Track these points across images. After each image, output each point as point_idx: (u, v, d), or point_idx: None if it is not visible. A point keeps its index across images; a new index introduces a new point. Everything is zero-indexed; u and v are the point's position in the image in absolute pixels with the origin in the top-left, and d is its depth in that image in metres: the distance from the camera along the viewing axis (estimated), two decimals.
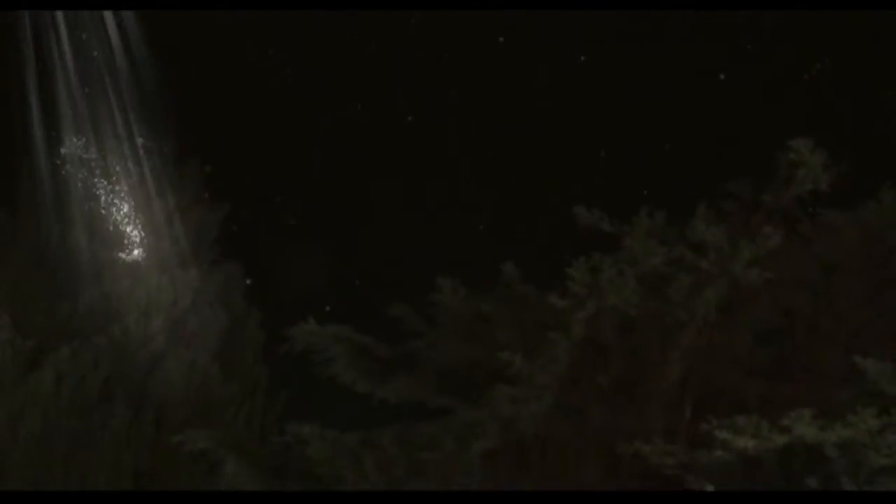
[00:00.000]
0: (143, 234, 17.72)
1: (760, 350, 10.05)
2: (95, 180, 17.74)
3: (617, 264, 9.29)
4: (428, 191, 20.39)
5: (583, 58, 18.14)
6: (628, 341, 9.71)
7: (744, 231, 9.60)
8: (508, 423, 9.59)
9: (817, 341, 9.95)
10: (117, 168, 17.80)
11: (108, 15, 17.62)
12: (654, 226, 9.56)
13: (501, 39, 18.87)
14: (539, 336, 9.45)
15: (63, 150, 17.75)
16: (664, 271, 9.54)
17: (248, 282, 18.91)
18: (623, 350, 9.70)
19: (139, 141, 17.96)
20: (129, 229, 17.67)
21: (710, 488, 2.06)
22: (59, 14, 17.39)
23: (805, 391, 9.24)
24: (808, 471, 8.58)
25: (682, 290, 9.31)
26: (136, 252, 17.72)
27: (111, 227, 17.66)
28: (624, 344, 9.69)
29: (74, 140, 17.79)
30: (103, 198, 17.68)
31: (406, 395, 10.85)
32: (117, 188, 17.69)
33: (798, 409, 8.30)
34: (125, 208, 17.69)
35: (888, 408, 8.54)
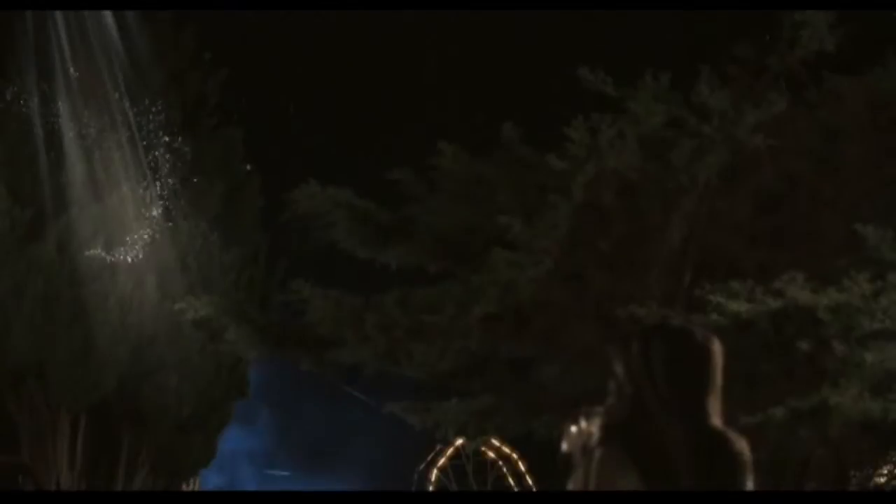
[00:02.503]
0: (138, 100, 17.48)
1: (761, 217, 10.01)
2: (89, 47, 17.42)
3: (616, 125, 9.16)
4: (429, 53, 20.06)
5: None
6: (629, 206, 9.65)
7: (748, 96, 9.44)
8: (507, 288, 9.60)
9: (819, 209, 9.90)
10: (111, 34, 17.47)
11: None
12: (658, 88, 9.38)
13: None
14: (539, 199, 9.39)
15: (54, 21, 17.36)
16: (666, 135, 9.42)
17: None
18: (624, 214, 9.66)
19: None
20: (124, 97, 17.41)
21: (716, 344, 2.04)
22: None
23: (805, 258, 9.23)
24: (800, 334, 8.65)
25: (685, 155, 9.21)
26: (132, 120, 17.51)
27: (106, 95, 17.40)
28: (624, 208, 9.64)
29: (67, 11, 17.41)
30: (97, 64, 17.38)
31: (406, 261, 10.84)
32: (111, 53, 17.38)
33: (791, 272, 8.34)
34: (120, 75, 17.40)
35: (883, 273, 8.57)
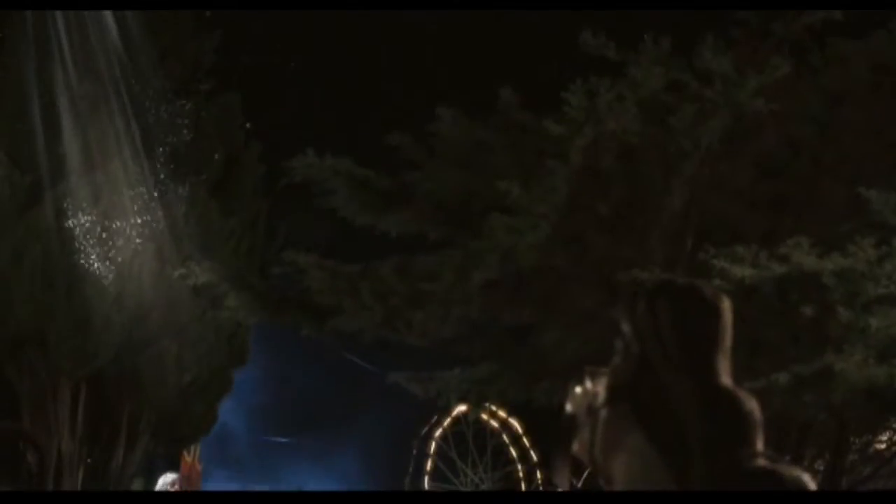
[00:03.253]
0: (136, 65, 17.34)
1: (763, 182, 9.95)
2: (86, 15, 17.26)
3: (616, 89, 9.06)
4: (428, 18, 19.88)
5: None
6: (629, 170, 9.57)
7: (751, 60, 9.34)
8: (507, 254, 9.55)
9: (821, 174, 9.83)
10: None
11: None
12: (659, 53, 9.28)
13: None
14: (537, 164, 9.32)
15: None
16: (667, 100, 9.33)
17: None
18: (623, 179, 9.58)
19: None
20: (121, 62, 17.27)
21: (725, 302, 2.00)
22: None
23: (806, 223, 9.18)
24: (804, 300, 8.61)
25: (686, 119, 9.12)
26: (130, 85, 17.38)
27: (103, 60, 17.26)
28: (625, 173, 9.56)
29: None
30: (94, 31, 17.23)
31: (405, 227, 10.78)
32: (107, 20, 17.22)
33: (796, 238, 8.29)
34: (116, 41, 17.24)
35: (888, 238, 8.53)
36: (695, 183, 9.53)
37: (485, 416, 23.76)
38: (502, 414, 23.86)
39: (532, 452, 23.92)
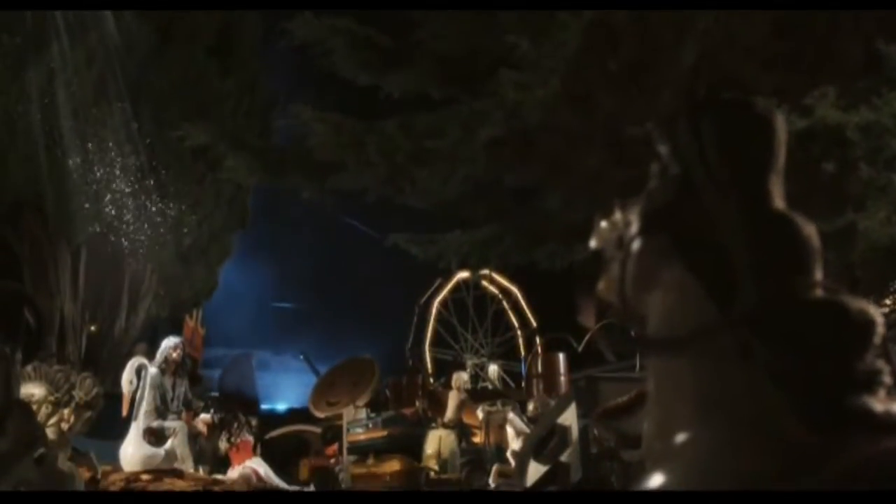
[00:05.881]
0: None
1: (778, 42, 9.63)
2: None
3: None
4: None
5: None
6: (641, 26, 9.25)
7: None
8: (514, 111, 9.32)
9: (838, 33, 9.51)
10: None
11: None
12: None
13: None
14: (548, 18, 8.99)
15: None
16: None
17: None
18: (635, 34, 9.26)
19: None
20: None
21: (779, 118, 1.87)
22: None
23: (821, 82, 8.91)
24: (826, 155, 8.42)
25: None
26: None
27: None
28: (637, 28, 9.23)
29: None
30: None
31: (408, 86, 10.52)
32: None
33: (823, 88, 8.06)
34: None
35: None
36: (707, 39, 9.22)
37: (485, 283, 23.84)
38: (502, 280, 23.92)
39: (531, 318, 24.07)
